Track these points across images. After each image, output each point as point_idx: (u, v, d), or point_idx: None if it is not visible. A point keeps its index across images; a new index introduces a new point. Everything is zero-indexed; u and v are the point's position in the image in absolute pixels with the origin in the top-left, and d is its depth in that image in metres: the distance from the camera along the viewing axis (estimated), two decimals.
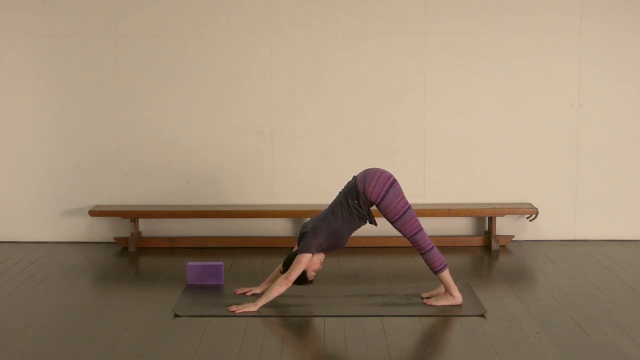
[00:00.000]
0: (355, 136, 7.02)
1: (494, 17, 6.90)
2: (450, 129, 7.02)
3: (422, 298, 5.33)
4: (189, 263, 5.76)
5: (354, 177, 5.25)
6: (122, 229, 7.05)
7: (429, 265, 5.20)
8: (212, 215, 6.88)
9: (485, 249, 6.88)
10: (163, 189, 7.07)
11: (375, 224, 5.28)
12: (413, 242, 5.16)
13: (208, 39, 6.94)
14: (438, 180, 7.05)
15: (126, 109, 7.00)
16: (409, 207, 5.14)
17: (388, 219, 5.17)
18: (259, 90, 6.99)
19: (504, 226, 7.05)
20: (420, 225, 5.14)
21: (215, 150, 7.05)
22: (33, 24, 6.92)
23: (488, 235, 6.94)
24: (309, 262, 5.13)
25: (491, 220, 6.89)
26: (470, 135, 7.02)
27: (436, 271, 5.19)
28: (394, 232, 6.98)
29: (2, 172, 7.07)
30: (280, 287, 5.13)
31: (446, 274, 5.19)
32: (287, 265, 5.25)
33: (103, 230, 7.11)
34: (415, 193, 7.03)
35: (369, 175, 5.18)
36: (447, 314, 5.06)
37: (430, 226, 7.05)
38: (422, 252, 5.17)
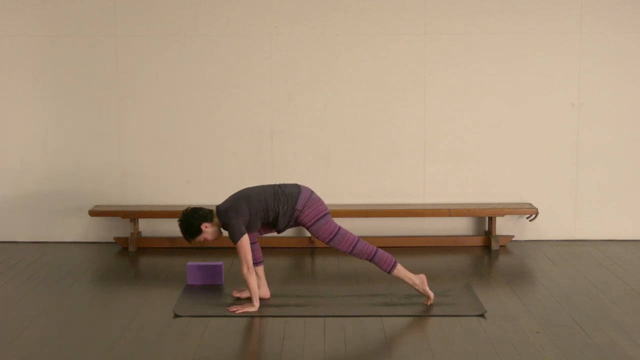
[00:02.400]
0: (355, 136, 7.02)
1: (494, 17, 6.90)
2: (450, 129, 7.02)
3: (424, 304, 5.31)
4: (189, 263, 5.76)
5: (298, 187, 5.27)
6: (122, 229, 7.05)
7: (380, 268, 5.23)
8: None
9: (485, 249, 6.88)
10: (163, 189, 7.07)
11: (278, 233, 5.35)
12: (356, 255, 5.21)
13: (208, 39, 6.93)
14: (438, 180, 7.05)
15: (126, 109, 7.00)
16: (339, 228, 5.19)
17: (322, 240, 5.22)
18: (259, 90, 6.99)
19: (504, 226, 7.05)
20: (354, 238, 5.19)
21: (215, 150, 7.05)
22: (33, 24, 6.92)
23: (488, 235, 6.94)
24: (248, 242, 5.12)
25: (491, 220, 6.89)
26: (470, 135, 7.02)
27: (389, 271, 5.21)
28: (394, 232, 7.00)
29: (2, 172, 7.07)
30: (250, 277, 5.12)
31: (400, 270, 5.21)
32: (183, 226, 5.24)
33: (103, 230, 7.11)
34: (415, 193, 7.03)
35: (312, 199, 5.22)
36: (447, 314, 5.06)
37: (430, 226, 7.07)
38: (369, 259, 5.21)
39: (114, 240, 7.07)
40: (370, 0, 6.90)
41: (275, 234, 7.06)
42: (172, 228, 7.09)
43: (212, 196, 7.05)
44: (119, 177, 7.06)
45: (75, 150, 7.05)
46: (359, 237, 5.22)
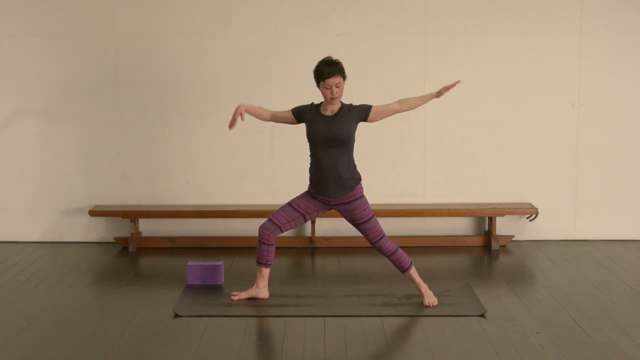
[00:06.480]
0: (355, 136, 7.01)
1: (494, 17, 6.90)
2: (450, 129, 7.02)
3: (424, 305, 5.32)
4: (189, 263, 5.76)
5: None
6: (122, 229, 7.05)
7: (396, 266, 5.32)
8: (212, 215, 6.88)
9: (485, 249, 6.88)
10: (163, 189, 7.07)
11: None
12: (379, 247, 5.27)
13: (208, 39, 6.93)
14: (438, 180, 7.05)
15: (126, 109, 7.00)
16: (374, 215, 5.30)
17: (354, 221, 5.28)
18: (258, 90, 6.98)
19: (504, 226, 7.05)
20: (383, 232, 5.29)
21: (216, 150, 7.05)
22: (33, 24, 6.92)
23: (488, 235, 6.94)
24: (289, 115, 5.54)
25: (491, 220, 6.89)
26: (470, 135, 7.02)
27: (404, 270, 5.30)
28: (394, 232, 6.99)
29: (2, 172, 7.07)
30: (266, 112, 5.47)
31: (413, 273, 5.30)
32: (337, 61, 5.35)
33: (103, 230, 7.11)
34: (415, 193, 7.03)
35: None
36: (447, 314, 5.06)
37: (430, 226, 7.07)
38: (389, 255, 5.29)
39: (114, 240, 7.06)
40: (370, 0, 6.90)
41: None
42: (172, 228, 7.10)
43: (212, 196, 7.05)
44: (119, 177, 7.06)
45: (75, 150, 7.05)
46: (385, 234, 5.31)
